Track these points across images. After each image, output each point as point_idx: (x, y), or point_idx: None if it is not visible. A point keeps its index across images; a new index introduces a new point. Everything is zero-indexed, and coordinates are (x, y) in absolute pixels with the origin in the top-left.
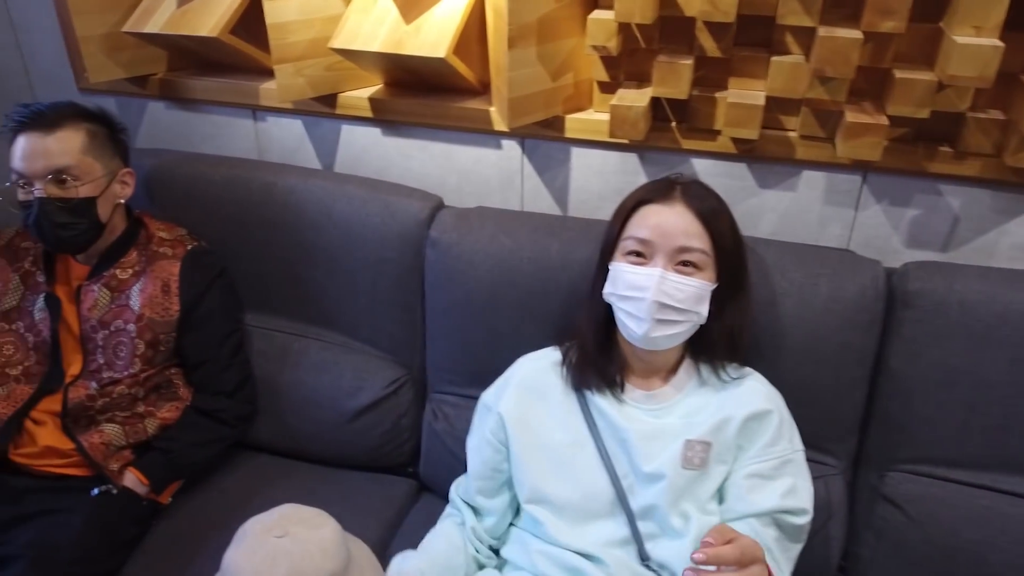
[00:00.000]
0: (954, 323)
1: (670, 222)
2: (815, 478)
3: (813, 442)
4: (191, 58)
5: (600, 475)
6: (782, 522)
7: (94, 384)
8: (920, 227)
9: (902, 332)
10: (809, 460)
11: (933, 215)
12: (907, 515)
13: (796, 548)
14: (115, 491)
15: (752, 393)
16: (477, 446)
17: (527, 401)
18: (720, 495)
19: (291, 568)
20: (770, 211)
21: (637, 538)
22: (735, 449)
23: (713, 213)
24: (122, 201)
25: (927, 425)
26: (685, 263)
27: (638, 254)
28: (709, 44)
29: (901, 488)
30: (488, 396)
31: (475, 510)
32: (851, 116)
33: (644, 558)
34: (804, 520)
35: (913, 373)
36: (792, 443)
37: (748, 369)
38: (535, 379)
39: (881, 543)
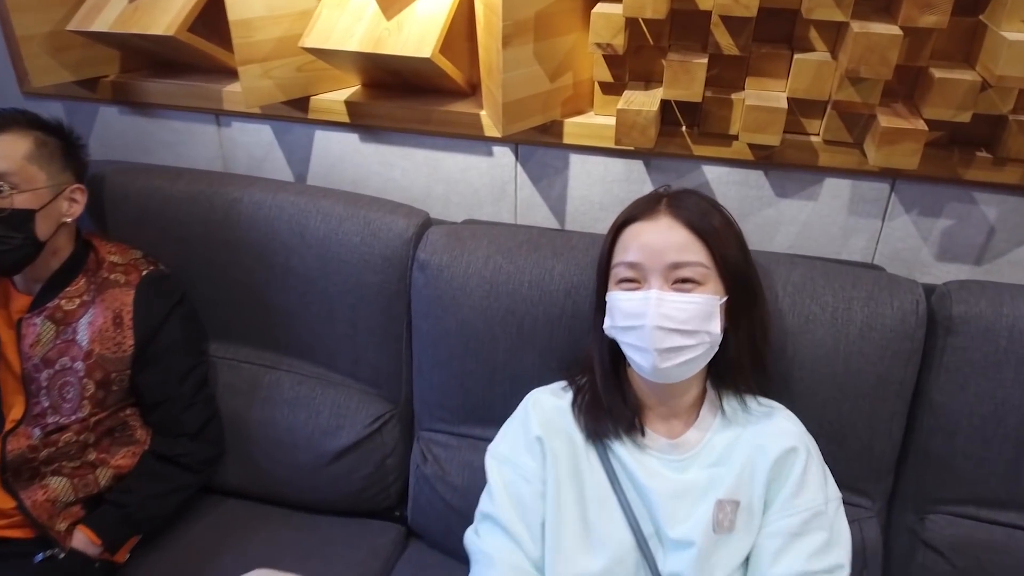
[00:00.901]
0: (1003, 351)
1: (658, 238)
2: (848, 522)
3: (845, 482)
4: (146, 58)
5: (625, 536)
6: None
7: (37, 431)
8: (952, 238)
9: (945, 361)
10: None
11: (967, 225)
12: (950, 562)
13: None
14: (62, 555)
15: (779, 432)
16: (519, 516)
17: (554, 439)
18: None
19: None
20: (789, 222)
21: None
22: (762, 503)
23: (705, 221)
24: (68, 220)
25: (973, 463)
26: (683, 280)
27: (631, 280)
28: (725, 41)
29: (944, 532)
30: (502, 446)
31: None
32: (885, 120)
33: None
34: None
35: (957, 406)
36: (825, 491)
37: (775, 404)
38: (555, 420)
39: None
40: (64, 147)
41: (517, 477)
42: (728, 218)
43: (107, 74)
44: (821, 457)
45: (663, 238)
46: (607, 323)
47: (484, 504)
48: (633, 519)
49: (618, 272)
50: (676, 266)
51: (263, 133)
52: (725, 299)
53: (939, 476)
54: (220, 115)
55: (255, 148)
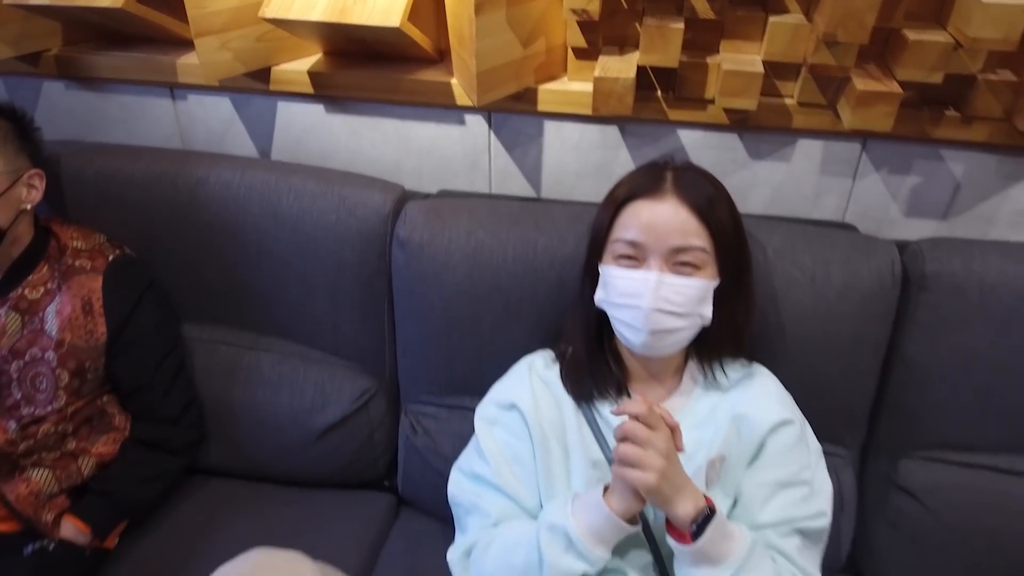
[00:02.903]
0: (973, 306)
1: (663, 220)
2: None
3: (823, 433)
4: (91, 30)
5: None
6: (802, 529)
7: (13, 424)
8: (920, 195)
9: (918, 318)
10: None
11: (934, 183)
12: (922, 504)
13: (819, 550)
14: (51, 546)
15: (764, 397)
16: (516, 476)
17: (543, 409)
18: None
19: None
20: (762, 184)
21: (659, 562)
22: (748, 457)
23: (710, 204)
24: (28, 207)
25: (943, 411)
26: (683, 263)
27: (630, 257)
28: (701, 4)
29: (916, 476)
30: (490, 409)
31: None
32: (861, 84)
33: None
34: (824, 522)
35: (929, 359)
36: (808, 446)
37: (755, 365)
38: (545, 387)
39: (895, 534)
40: (17, 131)
41: (509, 436)
42: (730, 201)
43: (49, 47)
44: (802, 415)
45: (668, 220)
46: (600, 295)
47: (476, 465)
48: None
49: (617, 248)
50: (679, 250)
51: (222, 106)
52: (717, 283)
53: (911, 424)
54: (175, 88)
55: (214, 122)
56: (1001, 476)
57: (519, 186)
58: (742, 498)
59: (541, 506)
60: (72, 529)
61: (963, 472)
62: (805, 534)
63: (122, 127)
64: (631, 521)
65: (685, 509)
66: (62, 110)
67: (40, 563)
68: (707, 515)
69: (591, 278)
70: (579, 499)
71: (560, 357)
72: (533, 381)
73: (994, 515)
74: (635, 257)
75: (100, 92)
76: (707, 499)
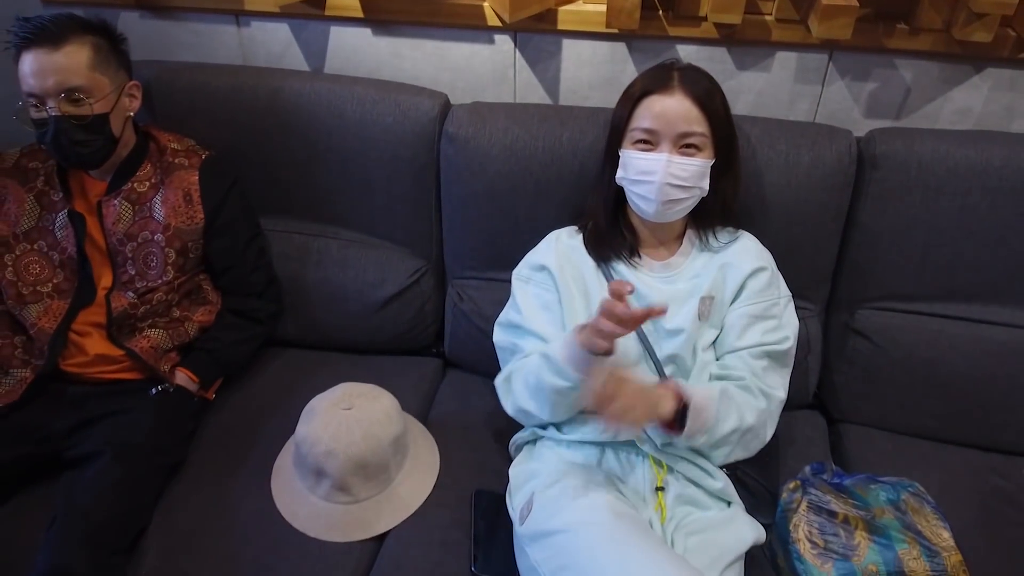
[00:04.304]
0: (913, 179)
1: (672, 110)
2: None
3: (794, 290)
4: None
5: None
6: (769, 352)
7: (131, 294)
8: (877, 99)
9: (870, 190)
10: None
11: (889, 87)
12: (874, 343)
13: (786, 371)
14: (171, 389)
15: (745, 252)
16: (548, 320)
17: (567, 269)
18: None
19: (364, 432)
20: (747, 91)
21: (660, 372)
22: (731, 298)
23: (708, 95)
24: (131, 114)
25: (890, 268)
26: (688, 146)
27: (645, 142)
28: None
29: (869, 322)
30: (524, 270)
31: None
32: None
33: None
34: (787, 345)
35: (878, 225)
36: (779, 290)
37: (741, 231)
38: (570, 252)
39: (852, 369)
40: (112, 46)
41: (540, 290)
42: (723, 95)
43: None
44: (776, 268)
45: (676, 110)
46: (620, 174)
47: (513, 317)
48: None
49: (635, 135)
50: (685, 135)
51: (281, 31)
52: (713, 161)
53: (864, 280)
54: (240, 15)
55: (273, 45)
56: (935, 319)
57: (540, 97)
58: (725, 327)
59: None
60: (184, 378)
61: (906, 317)
62: (772, 356)
63: (191, 52)
64: (601, 352)
65: (663, 413)
66: (138, 38)
67: (162, 401)
68: (682, 410)
69: (611, 162)
70: (563, 336)
71: (582, 229)
72: (559, 248)
73: (929, 349)
74: (650, 142)
75: (171, 20)
76: (675, 392)
